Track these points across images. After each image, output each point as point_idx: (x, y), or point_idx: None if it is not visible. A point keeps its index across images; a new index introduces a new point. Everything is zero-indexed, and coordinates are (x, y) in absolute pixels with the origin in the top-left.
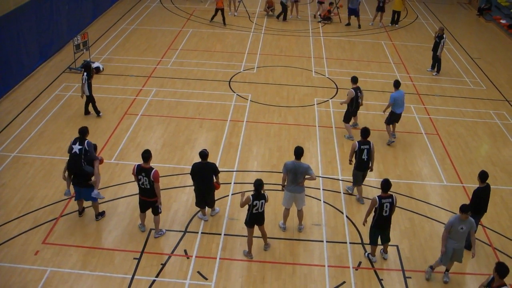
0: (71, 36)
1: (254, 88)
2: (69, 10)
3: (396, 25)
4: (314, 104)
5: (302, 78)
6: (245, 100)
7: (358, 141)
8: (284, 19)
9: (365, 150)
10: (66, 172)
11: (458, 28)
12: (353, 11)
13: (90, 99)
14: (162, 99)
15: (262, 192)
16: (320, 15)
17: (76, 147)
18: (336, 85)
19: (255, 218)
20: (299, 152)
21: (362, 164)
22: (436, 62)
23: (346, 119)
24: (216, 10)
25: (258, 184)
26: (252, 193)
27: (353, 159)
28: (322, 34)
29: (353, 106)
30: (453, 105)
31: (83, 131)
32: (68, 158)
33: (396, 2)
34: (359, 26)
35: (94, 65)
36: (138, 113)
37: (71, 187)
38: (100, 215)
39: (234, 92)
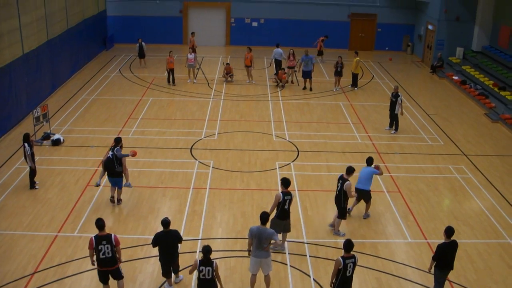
0: (31, 108)
1: (216, 155)
2: (28, 82)
3: (356, 88)
4: (276, 168)
5: (263, 143)
6: (207, 167)
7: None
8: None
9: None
10: (101, 166)
11: (413, 86)
12: (307, 74)
13: (34, 171)
14: None
15: (211, 259)
16: (277, 77)
17: (110, 153)
18: (297, 148)
19: (202, 285)
20: (264, 217)
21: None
22: (394, 120)
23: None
24: (168, 72)
25: (206, 251)
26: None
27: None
28: (281, 98)
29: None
30: (413, 162)
31: (117, 141)
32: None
33: (353, 64)
34: (311, 89)
35: (55, 137)
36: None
37: (103, 180)
38: (120, 200)
39: (196, 160)
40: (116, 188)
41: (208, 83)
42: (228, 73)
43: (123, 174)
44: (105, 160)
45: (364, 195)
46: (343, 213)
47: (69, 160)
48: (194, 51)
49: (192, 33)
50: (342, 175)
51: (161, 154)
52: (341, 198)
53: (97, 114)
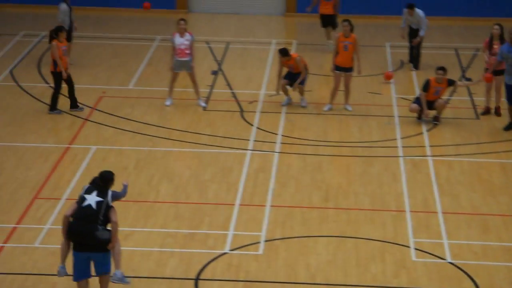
0: None
1: None
2: None
3: None
4: None
5: None
6: None
7: None
8: None
9: None
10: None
11: None
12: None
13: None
14: None
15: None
16: None
17: (93, 199)
18: None
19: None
20: None
21: None
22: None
23: None
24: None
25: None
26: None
27: None
28: (430, 150)
29: None
30: None
31: (107, 178)
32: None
33: None
34: None
35: None
36: None
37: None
38: None
39: None
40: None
41: (242, 110)
42: (291, 76)
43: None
44: (76, 213)
45: None
46: None
47: None
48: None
49: None
50: None
51: None
52: None
53: None
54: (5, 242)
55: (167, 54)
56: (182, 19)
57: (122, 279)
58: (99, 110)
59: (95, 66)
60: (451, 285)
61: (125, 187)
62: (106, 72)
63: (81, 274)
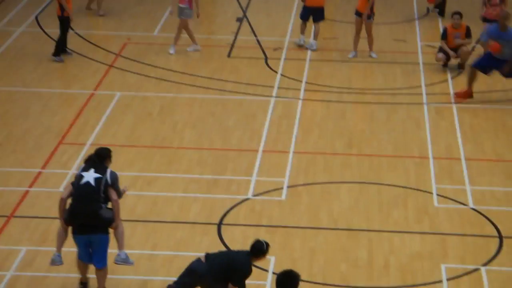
0: None
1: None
2: None
3: None
4: None
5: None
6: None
7: None
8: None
9: None
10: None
11: None
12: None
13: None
14: None
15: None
16: None
17: (91, 176)
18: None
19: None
20: None
21: None
22: None
23: None
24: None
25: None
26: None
27: None
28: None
29: None
30: None
31: (104, 154)
32: (67, 195)
33: None
34: None
35: None
36: None
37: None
38: None
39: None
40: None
41: (266, 57)
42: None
43: (112, 227)
44: (74, 193)
45: None
46: None
47: None
48: None
49: None
50: None
51: (152, 236)
52: None
53: None
54: (30, 186)
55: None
56: None
57: (127, 260)
58: (123, 57)
59: (119, 13)
60: (473, 231)
61: (123, 190)
62: (131, 19)
63: (85, 256)
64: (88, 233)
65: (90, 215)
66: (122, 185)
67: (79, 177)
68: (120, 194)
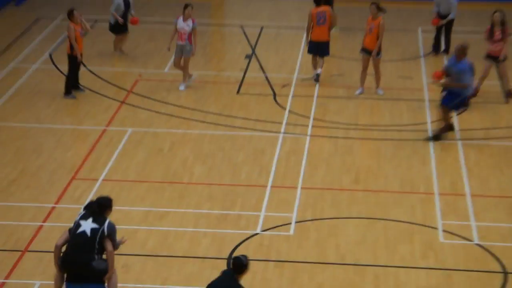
0: None
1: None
2: None
3: None
4: None
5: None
6: None
7: None
8: None
9: None
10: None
11: None
12: None
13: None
14: None
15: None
16: None
17: (88, 225)
18: None
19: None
20: None
21: None
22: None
23: None
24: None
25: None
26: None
27: None
28: (460, 136)
29: None
30: None
31: (105, 204)
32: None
33: None
34: None
35: None
36: None
37: None
38: None
39: None
40: None
41: (274, 93)
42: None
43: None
44: (70, 241)
45: None
46: None
47: None
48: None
49: None
50: None
51: (163, 270)
52: None
53: None
54: (44, 221)
55: (198, 37)
56: (190, 5)
57: None
58: (135, 93)
59: (131, 50)
60: (478, 266)
61: (120, 242)
62: (142, 56)
63: None
64: (81, 282)
65: (82, 266)
66: (119, 235)
67: (76, 225)
68: (116, 245)
